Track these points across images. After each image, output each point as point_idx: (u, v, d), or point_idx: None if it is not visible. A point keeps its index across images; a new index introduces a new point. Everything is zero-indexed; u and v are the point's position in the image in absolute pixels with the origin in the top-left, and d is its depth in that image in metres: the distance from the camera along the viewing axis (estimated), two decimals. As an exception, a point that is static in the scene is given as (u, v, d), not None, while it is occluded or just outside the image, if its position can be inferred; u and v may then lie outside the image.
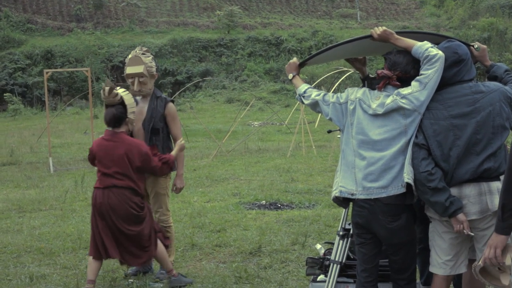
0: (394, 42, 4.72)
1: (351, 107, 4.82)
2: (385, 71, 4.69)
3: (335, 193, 4.86)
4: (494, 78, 4.95)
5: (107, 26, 54.01)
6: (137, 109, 6.84)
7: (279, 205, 10.89)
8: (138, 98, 6.94)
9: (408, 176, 4.50)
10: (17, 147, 21.29)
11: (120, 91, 6.49)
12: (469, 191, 4.47)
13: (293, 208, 10.71)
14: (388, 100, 4.63)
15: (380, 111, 4.65)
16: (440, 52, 4.53)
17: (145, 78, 6.80)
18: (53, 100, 40.97)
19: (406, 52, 4.68)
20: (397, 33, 4.75)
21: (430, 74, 4.51)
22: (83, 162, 17.50)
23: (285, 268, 7.23)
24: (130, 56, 6.96)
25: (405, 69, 4.66)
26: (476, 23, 50.54)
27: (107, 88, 6.36)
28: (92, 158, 6.57)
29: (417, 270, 5.29)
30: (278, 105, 38.22)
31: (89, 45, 46.36)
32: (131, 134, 6.75)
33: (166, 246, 6.81)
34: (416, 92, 4.53)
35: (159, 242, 6.65)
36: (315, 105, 5.07)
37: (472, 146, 4.47)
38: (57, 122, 29.85)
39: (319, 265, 5.70)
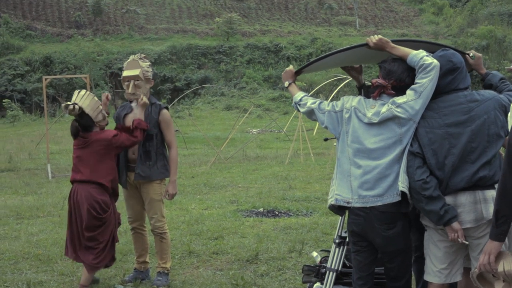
0: (390, 50, 4.74)
1: (346, 116, 4.84)
2: (380, 80, 4.72)
3: (330, 201, 4.88)
4: (489, 86, 4.98)
5: (107, 32, 54.03)
6: (131, 115, 6.93)
7: (277, 213, 10.90)
8: (133, 104, 6.97)
9: (402, 184, 4.52)
10: (15, 153, 21.28)
11: (80, 94, 6.59)
12: (464, 199, 4.49)
13: (291, 215, 10.72)
14: (384, 109, 4.65)
15: (376, 119, 4.67)
16: (435, 61, 4.56)
17: (141, 81, 6.87)
18: (52, 106, 40.88)
19: (401, 60, 4.70)
20: (393, 41, 4.78)
21: (425, 83, 4.53)
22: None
23: (282, 276, 7.23)
24: (128, 60, 7.03)
25: (400, 78, 4.68)
26: (474, 31, 50.62)
27: (62, 105, 6.54)
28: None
29: (413, 278, 5.32)
30: (277, 112, 38.23)
31: (88, 51, 46.40)
32: None
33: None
34: (411, 101, 4.56)
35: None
36: (310, 113, 5.09)
37: (467, 154, 4.48)
38: (55, 128, 29.82)
39: (315, 272, 5.72)
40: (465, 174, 4.47)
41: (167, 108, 7.11)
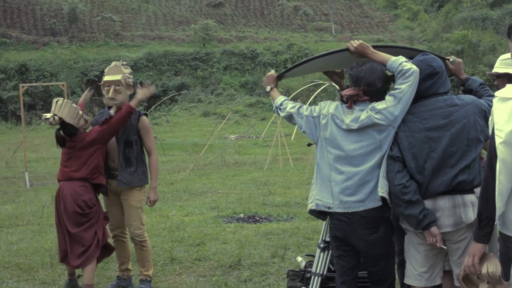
0: (370, 55, 4.76)
1: (323, 121, 4.85)
2: (349, 92, 4.72)
3: (311, 206, 4.89)
4: (469, 91, 5.03)
5: (82, 40, 53.83)
6: None
7: (258, 218, 10.91)
8: (111, 111, 6.94)
9: (382, 190, 4.55)
10: (-8, 162, 21.14)
11: (58, 104, 6.60)
12: (443, 204, 4.52)
13: (272, 221, 10.74)
14: (363, 116, 4.66)
15: (354, 126, 4.68)
16: (414, 67, 4.59)
17: (121, 87, 6.85)
18: (28, 114, 40.60)
19: (369, 64, 4.72)
20: (373, 47, 4.81)
21: (405, 88, 4.56)
22: (59, 177, 17.39)
23: (265, 281, 7.24)
24: (110, 66, 7.02)
25: (369, 82, 4.68)
26: (449, 36, 51.07)
27: (43, 117, 6.63)
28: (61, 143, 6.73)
29: (398, 281, 5.35)
30: (254, 118, 38.30)
31: (64, 59, 46.18)
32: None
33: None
34: (391, 107, 4.58)
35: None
36: (290, 118, 5.13)
37: (446, 158, 4.52)
38: (32, 136, 29.65)
39: (300, 277, 5.74)
40: (444, 178, 4.50)
41: (146, 114, 7.11)
